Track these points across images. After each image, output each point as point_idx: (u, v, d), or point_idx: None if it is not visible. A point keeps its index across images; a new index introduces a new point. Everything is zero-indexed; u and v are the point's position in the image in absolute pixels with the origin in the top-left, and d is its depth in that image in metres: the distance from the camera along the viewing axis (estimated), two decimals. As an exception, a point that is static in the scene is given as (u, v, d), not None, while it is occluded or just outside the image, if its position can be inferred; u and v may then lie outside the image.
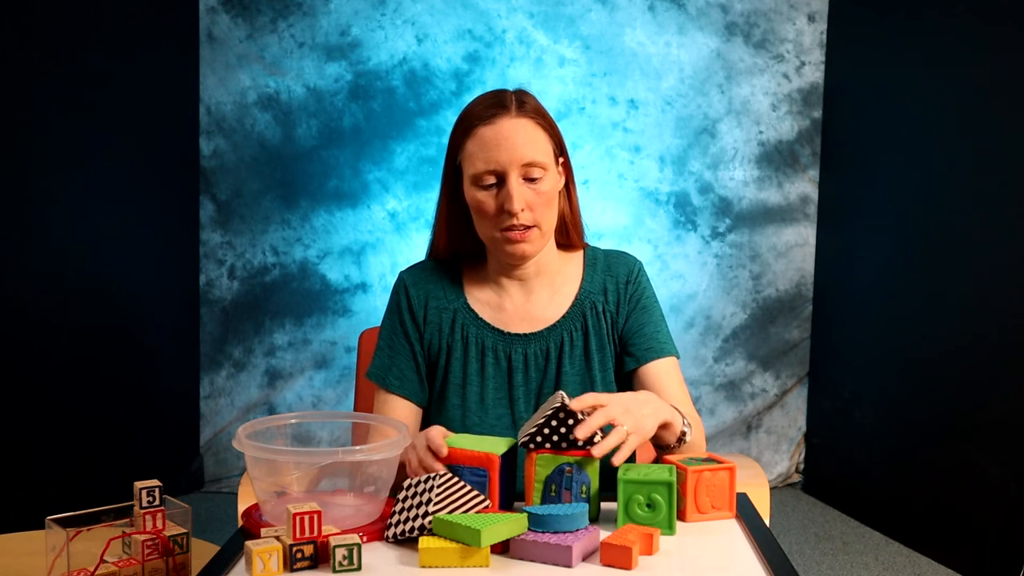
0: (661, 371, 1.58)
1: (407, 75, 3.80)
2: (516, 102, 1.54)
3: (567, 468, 1.29)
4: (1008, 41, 2.97)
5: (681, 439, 1.45)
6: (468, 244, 1.64)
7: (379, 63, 3.80)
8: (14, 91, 3.08)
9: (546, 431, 1.29)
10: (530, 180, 1.52)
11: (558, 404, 1.29)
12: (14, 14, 3.05)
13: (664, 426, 1.41)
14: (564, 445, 1.29)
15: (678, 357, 1.63)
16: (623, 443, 1.29)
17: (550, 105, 3.82)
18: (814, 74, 3.89)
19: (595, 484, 1.30)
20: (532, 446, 1.30)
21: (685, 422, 1.46)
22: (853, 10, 3.76)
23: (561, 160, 1.59)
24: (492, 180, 1.51)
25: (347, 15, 3.78)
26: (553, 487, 1.28)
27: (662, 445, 1.48)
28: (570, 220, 1.64)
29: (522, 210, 1.50)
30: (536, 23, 3.80)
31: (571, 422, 1.28)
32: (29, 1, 3.10)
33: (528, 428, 1.31)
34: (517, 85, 1.64)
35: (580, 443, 1.28)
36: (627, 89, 3.84)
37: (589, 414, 1.29)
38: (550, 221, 1.56)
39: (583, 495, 1.29)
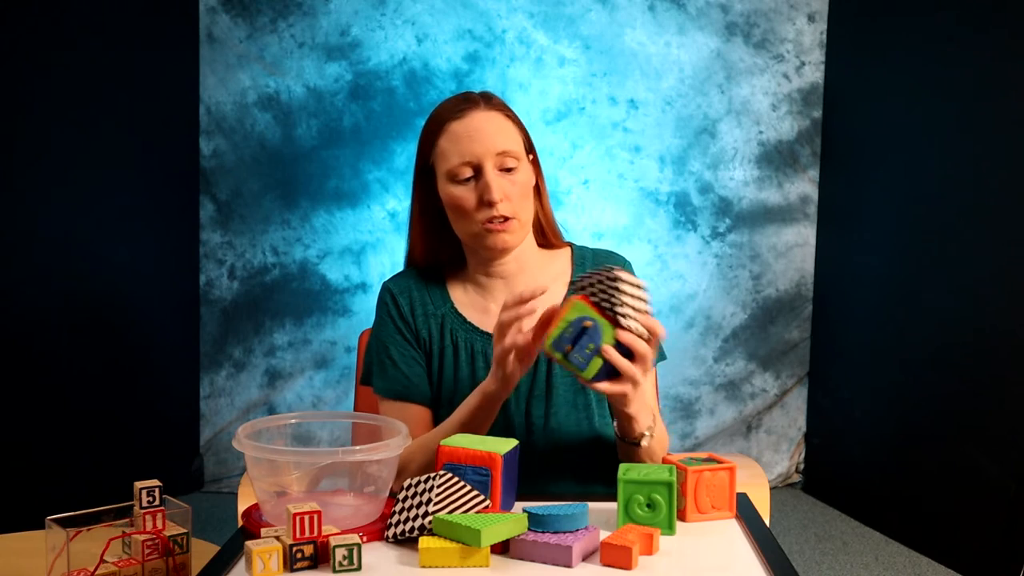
0: None
1: (407, 75, 3.80)
2: (483, 97, 1.56)
3: (587, 321, 1.31)
4: (1008, 41, 2.97)
5: (639, 440, 1.46)
6: (445, 250, 1.63)
7: (379, 63, 3.80)
8: (14, 91, 3.08)
9: (590, 280, 1.32)
10: (506, 171, 1.52)
11: (609, 268, 1.32)
12: (13, 14, 3.05)
13: (630, 418, 1.42)
14: (603, 304, 1.32)
15: (664, 358, 1.62)
16: (622, 381, 1.32)
17: (550, 105, 3.82)
18: (814, 74, 3.89)
19: (607, 340, 1.31)
20: (578, 290, 1.34)
21: (649, 427, 1.46)
22: (853, 10, 3.76)
23: (530, 157, 1.59)
24: (469, 173, 1.52)
25: (347, 15, 3.78)
26: (569, 330, 1.31)
27: (623, 436, 1.47)
28: (543, 218, 1.65)
29: (501, 200, 1.50)
30: (536, 23, 3.80)
31: (616, 294, 1.30)
32: (29, 1, 3.10)
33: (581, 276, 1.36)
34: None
35: (613, 316, 1.31)
36: (627, 89, 3.84)
37: (633, 315, 1.31)
38: (527, 212, 1.56)
39: (588, 351, 1.31)
